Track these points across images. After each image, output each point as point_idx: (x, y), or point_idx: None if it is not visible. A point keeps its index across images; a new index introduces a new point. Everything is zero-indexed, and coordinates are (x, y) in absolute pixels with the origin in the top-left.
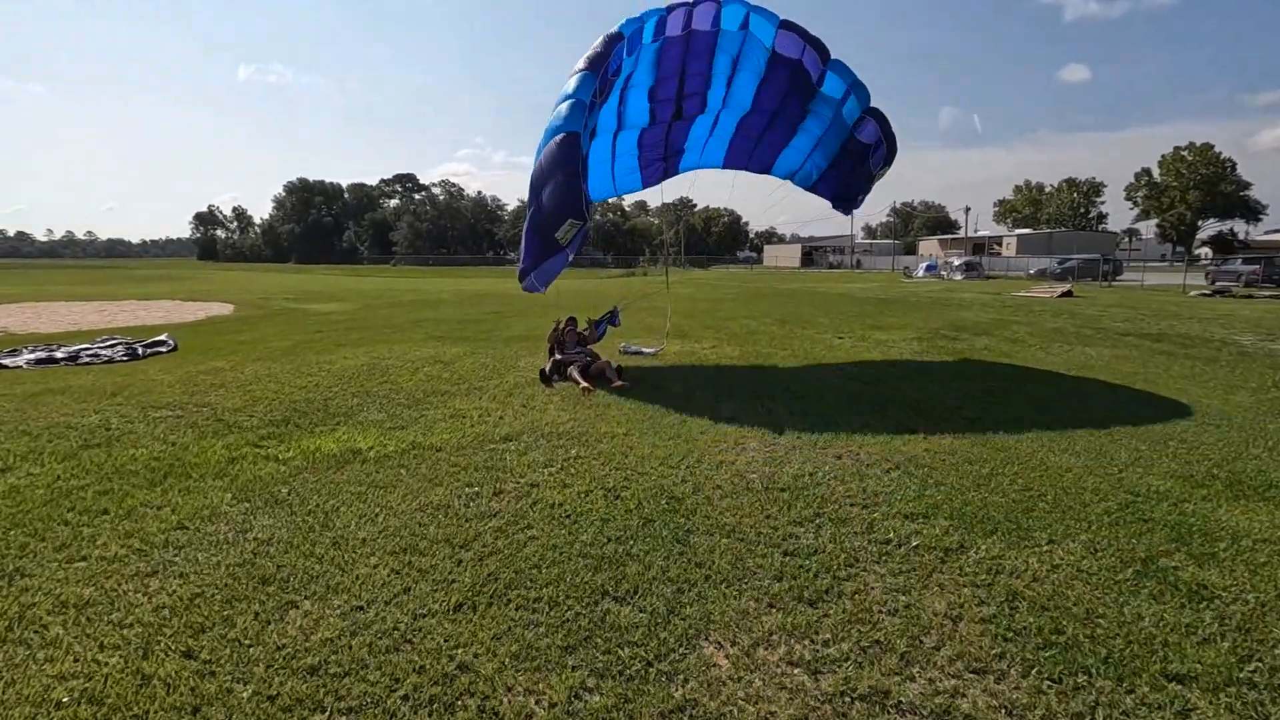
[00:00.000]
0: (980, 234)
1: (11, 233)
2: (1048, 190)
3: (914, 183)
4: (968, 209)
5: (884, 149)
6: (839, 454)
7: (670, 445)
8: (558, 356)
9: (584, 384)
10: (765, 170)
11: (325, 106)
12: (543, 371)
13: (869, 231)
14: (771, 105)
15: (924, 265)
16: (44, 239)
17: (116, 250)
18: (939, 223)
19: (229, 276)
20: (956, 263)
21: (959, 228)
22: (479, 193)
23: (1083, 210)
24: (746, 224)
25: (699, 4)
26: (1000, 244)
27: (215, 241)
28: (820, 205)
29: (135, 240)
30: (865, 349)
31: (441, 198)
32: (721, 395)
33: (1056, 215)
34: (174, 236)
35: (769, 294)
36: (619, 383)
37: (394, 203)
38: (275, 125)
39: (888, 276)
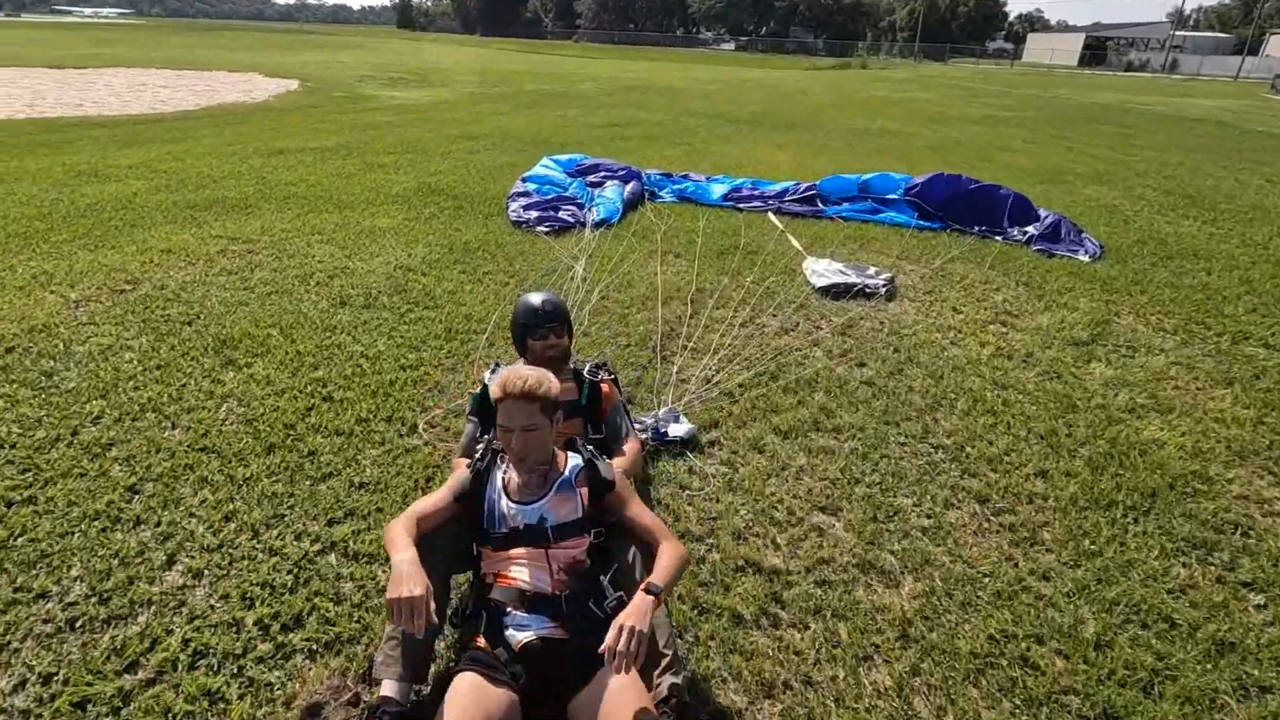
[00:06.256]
0: None
1: None
2: None
3: None
4: None
5: None
6: None
7: None
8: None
9: None
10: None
11: None
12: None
13: (1178, 19)
14: None
15: None
16: (281, 3)
17: (339, 16)
18: None
19: (389, 46)
20: None
21: None
22: None
23: None
24: (1004, 3)
25: None
26: None
27: (411, 9)
28: None
29: (356, 7)
30: None
31: None
32: None
33: None
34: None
35: (1076, 115)
36: None
37: None
38: None
39: (1237, 88)
